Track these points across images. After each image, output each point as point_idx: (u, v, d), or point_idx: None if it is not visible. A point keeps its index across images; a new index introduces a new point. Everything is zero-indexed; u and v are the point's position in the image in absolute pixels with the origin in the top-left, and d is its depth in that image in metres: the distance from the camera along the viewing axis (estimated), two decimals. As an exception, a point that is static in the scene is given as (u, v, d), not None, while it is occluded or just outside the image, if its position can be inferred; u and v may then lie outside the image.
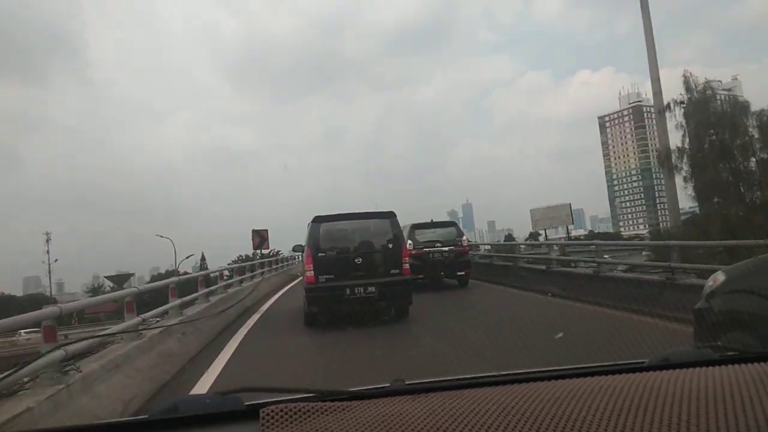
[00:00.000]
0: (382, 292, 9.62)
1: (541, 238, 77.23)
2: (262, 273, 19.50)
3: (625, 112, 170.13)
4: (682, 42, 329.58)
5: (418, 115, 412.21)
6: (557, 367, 1.31)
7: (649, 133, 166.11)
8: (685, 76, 33.07)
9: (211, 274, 13.65)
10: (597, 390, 0.96)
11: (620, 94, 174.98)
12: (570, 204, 78.89)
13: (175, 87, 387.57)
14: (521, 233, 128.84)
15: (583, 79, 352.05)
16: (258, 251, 29.43)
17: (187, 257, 62.91)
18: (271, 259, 25.52)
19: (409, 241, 14.52)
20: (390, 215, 10.31)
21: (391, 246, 9.99)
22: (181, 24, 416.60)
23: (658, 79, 11.58)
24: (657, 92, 12.13)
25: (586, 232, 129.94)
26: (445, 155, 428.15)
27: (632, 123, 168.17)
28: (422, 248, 15.10)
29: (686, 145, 29.19)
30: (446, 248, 15.24)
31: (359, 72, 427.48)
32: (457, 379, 1.21)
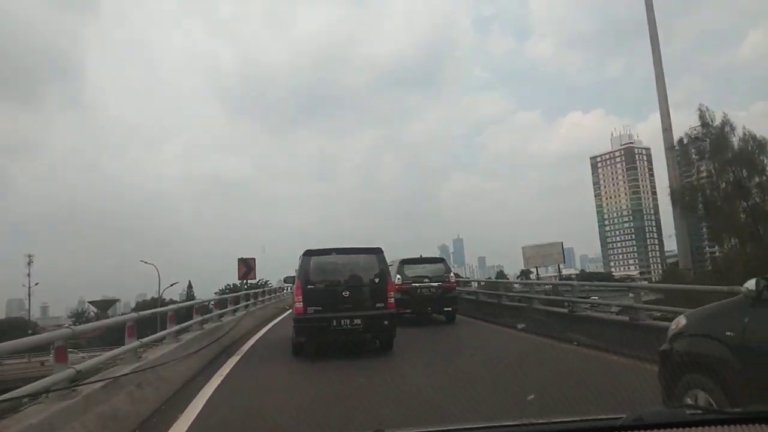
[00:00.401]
0: (368, 324, 9.94)
1: (533, 276, 76.31)
2: (247, 306, 17.39)
3: (617, 153, 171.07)
4: (672, 86, 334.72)
5: (411, 149, 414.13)
6: (534, 422, 1.31)
7: (641, 175, 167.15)
8: (700, 110, 32.13)
9: (195, 305, 11.92)
10: None
11: (612, 135, 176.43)
12: (562, 242, 78.01)
13: (169, 114, 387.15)
14: (513, 270, 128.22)
15: (574, 119, 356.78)
16: (245, 281, 27.63)
17: (172, 285, 58.77)
18: (257, 290, 23.23)
19: (398, 276, 14.90)
20: (377, 251, 10.64)
21: (377, 281, 10.32)
22: (177, 53, 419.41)
23: (668, 115, 10.76)
24: (667, 128, 11.15)
25: (577, 271, 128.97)
26: (437, 190, 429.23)
27: (624, 164, 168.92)
28: (411, 283, 15.21)
29: (701, 182, 28.22)
30: (434, 284, 15.31)
31: (353, 104, 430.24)
32: (439, 430, 1.20)
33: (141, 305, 68.67)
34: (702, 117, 32.35)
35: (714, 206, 25.34)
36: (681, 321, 4.43)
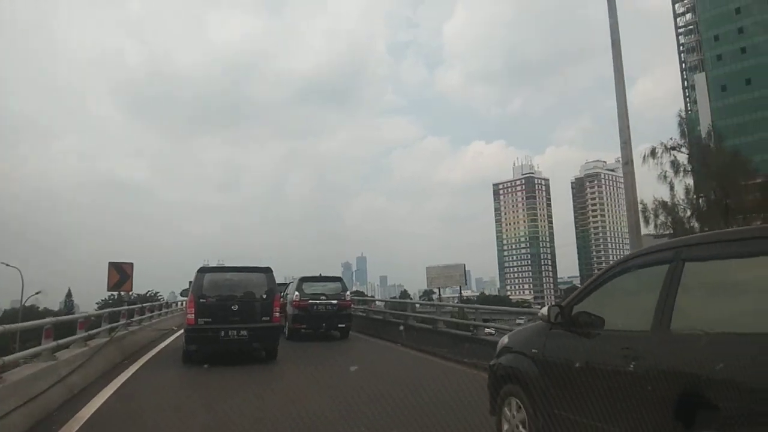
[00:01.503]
0: (253, 335, 10.89)
1: (435, 296, 77.46)
2: (112, 331, 11.79)
3: (518, 182, 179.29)
4: (567, 124, 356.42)
5: (320, 166, 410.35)
6: None
7: (539, 204, 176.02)
8: (680, 116, 31.76)
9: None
10: None
11: (514, 164, 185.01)
12: (464, 265, 79.88)
13: (63, 109, 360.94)
14: (414, 289, 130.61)
15: (477, 148, 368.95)
16: (121, 294, 20.00)
17: (36, 293, 45.64)
18: (133, 307, 15.70)
19: (297, 293, 15.68)
20: (267, 270, 11.71)
21: (264, 297, 11.25)
22: (80, 45, 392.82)
23: (628, 127, 10.82)
24: (626, 141, 11.13)
25: (477, 293, 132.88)
26: (343, 208, 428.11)
27: (524, 193, 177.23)
28: (308, 300, 15.67)
29: (678, 199, 27.66)
30: (330, 301, 15.85)
31: (264, 117, 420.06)
32: None
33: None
34: (681, 124, 31.71)
35: (684, 227, 25.17)
36: (505, 340, 5.12)
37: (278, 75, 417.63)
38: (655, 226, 29.04)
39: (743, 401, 2.65)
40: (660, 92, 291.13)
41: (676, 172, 31.54)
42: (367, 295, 66.79)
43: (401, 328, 15.51)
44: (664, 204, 30.47)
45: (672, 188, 31.27)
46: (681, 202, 29.94)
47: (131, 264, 18.33)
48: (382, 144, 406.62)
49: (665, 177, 31.97)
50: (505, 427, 4.68)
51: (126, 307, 14.57)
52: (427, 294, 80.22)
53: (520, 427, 4.47)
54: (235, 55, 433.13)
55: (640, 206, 39.98)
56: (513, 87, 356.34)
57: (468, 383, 8.12)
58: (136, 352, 12.33)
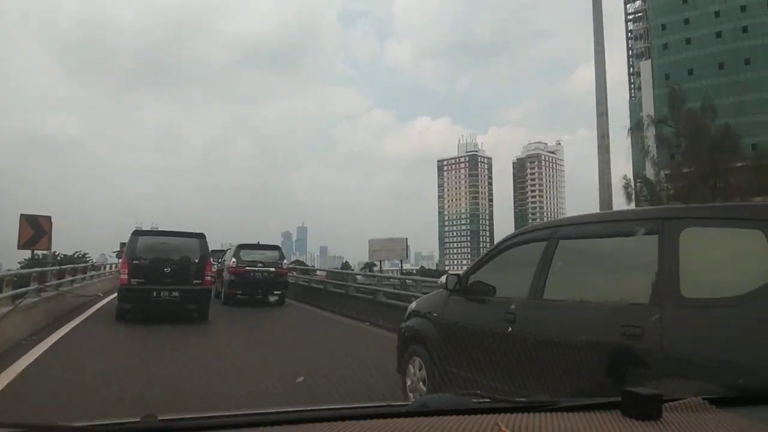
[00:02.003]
0: (185, 297, 11.39)
1: (376, 269, 77.10)
2: (16, 299, 9.74)
3: (462, 159, 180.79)
4: (511, 105, 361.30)
5: (263, 132, 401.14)
6: (315, 408, 1.31)
7: (481, 182, 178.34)
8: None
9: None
10: None
11: (459, 141, 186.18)
12: (407, 239, 79.53)
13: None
14: (355, 261, 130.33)
15: (423, 124, 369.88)
16: (37, 253, 15.79)
17: None
18: (48, 268, 13.30)
19: (234, 259, 16.04)
20: (200, 236, 12.22)
21: (197, 261, 11.73)
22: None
23: (605, 98, 10.16)
24: (603, 113, 10.34)
25: (417, 267, 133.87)
26: (286, 176, 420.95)
27: (467, 170, 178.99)
28: (245, 266, 15.91)
29: (662, 176, 26.63)
30: (267, 269, 16.15)
31: (206, 79, 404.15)
32: (210, 417, 1.17)
33: None
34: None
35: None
36: (413, 305, 5.60)
37: (223, 36, 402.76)
38: (637, 201, 28.43)
39: (599, 357, 3.15)
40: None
41: (661, 148, 30.53)
42: (308, 265, 66.25)
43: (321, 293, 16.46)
44: (646, 180, 29.90)
45: (655, 164, 30.58)
46: (663, 179, 29.27)
47: (49, 218, 15.25)
48: (328, 114, 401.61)
49: (647, 152, 31.27)
50: (409, 383, 5.05)
51: (45, 269, 12.62)
52: (368, 266, 79.81)
53: (421, 384, 4.85)
54: (179, 10, 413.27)
55: (623, 181, 39.43)
56: (461, 65, 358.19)
57: (390, 346, 7.82)
58: (50, 325, 10.05)
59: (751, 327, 2.71)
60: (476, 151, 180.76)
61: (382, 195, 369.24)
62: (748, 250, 2.95)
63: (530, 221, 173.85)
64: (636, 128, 31.64)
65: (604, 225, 3.92)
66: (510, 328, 3.85)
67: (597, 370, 3.16)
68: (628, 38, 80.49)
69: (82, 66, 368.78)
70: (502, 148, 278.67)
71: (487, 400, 1.45)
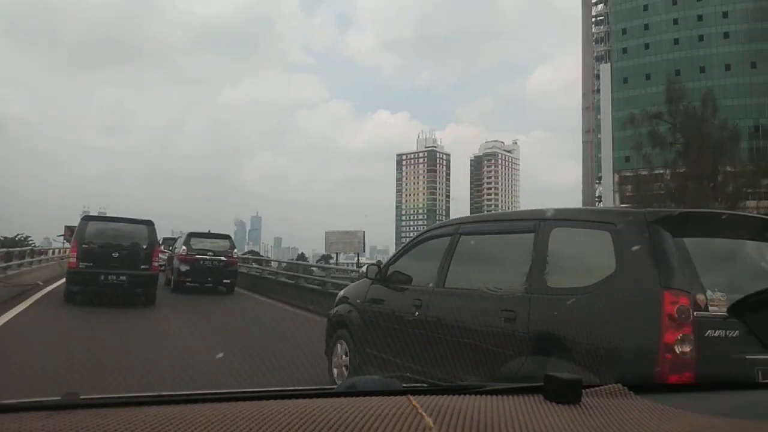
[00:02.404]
0: (132, 281, 11.73)
1: (332, 261, 76.23)
2: None
3: (421, 155, 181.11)
4: (469, 104, 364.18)
5: (218, 117, 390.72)
6: (242, 390, 1.30)
7: (439, 178, 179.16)
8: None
9: None
10: (291, 413, 1.02)
11: (419, 136, 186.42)
12: (364, 232, 78.94)
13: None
14: (310, 252, 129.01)
15: (382, 117, 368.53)
16: None
17: None
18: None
19: (184, 247, 16.25)
20: (149, 223, 12.58)
21: (145, 247, 12.08)
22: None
23: (592, 91, 9.84)
24: (588, 106, 9.96)
25: (374, 261, 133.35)
26: (241, 164, 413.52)
27: (426, 165, 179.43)
28: (195, 255, 16.06)
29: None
30: (217, 258, 16.32)
31: (160, 58, 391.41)
32: (133, 396, 1.17)
33: None
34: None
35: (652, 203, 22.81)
36: (341, 293, 6.06)
37: (180, 15, 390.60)
38: (622, 200, 27.90)
39: (483, 339, 3.71)
40: (558, 82, 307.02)
41: (654, 145, 29.45)
42: (262, 256, 64.98)
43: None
44: (640, 177, 29.23)
45: (648, 161, 29.91)
46: (661, 177, 28.21)
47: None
48: (286, 102, 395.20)
49: (639, 148, 30.56)
50: (334, 364, 5.40)
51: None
52: (324, 258, 78.74)
53: (344, 366, 5.21)
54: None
55: (615, 178, 38.74)
56: (420, 60, 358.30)
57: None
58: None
59: (596, 310, 3.24)
60: (435, 147, 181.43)
61: (339, 187, 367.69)
62: (599, 247, 3.50)
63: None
64: (630, 122, 31.34)
65: (496, 224, 4.73)
66: (417, 313, 4.35)
67: (483, 348, 3.67)
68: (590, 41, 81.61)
69: (28, 38, 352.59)
70: (460, 146, 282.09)
71: (420, 385, 1.47)
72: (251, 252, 74.96)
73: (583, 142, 10.89)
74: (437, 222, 9.59)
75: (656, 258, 3.18)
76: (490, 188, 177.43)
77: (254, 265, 22.33)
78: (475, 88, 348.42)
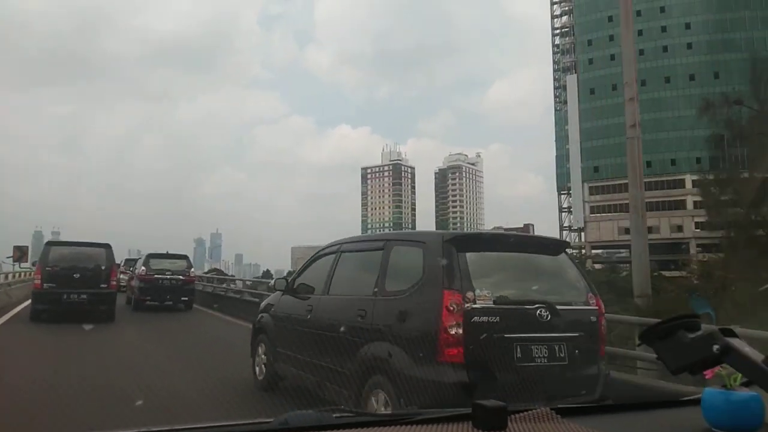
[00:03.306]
0: (93, 299, 12.92)
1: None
2: None
3: (386, 168, 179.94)
4: (428, 118, 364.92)
5: (176, 133, 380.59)
6: (173, 428, 1.37)
7: (404, 191, 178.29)
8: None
9: None
10: None
11: (383, 150, 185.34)
12: (331, 246, 77.51)
13: None
14: (275, 269, 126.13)
15: (343, 132, 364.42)
16: None
17: None
18: None
19: (143, 267, 16.98)
20: (107, 246, 13.90)
21: (103, 267, 13.29)
22: None
23: (635, 81, 8.48)
24: (632, 98, 8.58)
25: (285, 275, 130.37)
26: (199, 181, 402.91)
27: (391, 179, 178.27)
28: (153, 275, 16.81)
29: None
30: (175, 277, 17.09)
31: (115, 74, 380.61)
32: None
33: None
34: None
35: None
36: (263, 303, 7.07)
37: (136, 30, 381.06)
38: (592, 210, 24.15)
39: (348, 332, 4.78)
40: (515, 97, 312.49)
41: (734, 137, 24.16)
42: (226, 274, 63.06)
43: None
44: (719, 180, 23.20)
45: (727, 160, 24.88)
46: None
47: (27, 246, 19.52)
48: (245, 117, 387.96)
49: (717, 145, 25.71)
50: (257, 363, 6.47)
51: None
52: (290, 274, 76.07)
53: (263, 365, 6.28)
54: (88, 2, 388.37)
55: (585, 188, 35.28)
56: (380, 75, 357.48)
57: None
58: None
59: (410, 308, 4.39)
60: (400, 160, 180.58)
61: (302, 202, 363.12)
62: (416, 260, 4.57)
63: (450, 231, 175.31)
64: (705, 110, 26.83)
65: (363, 243, 6.17)
66: (309, 316, 5.51)
67: (347, 339, 4.75)
68: (554, 52, 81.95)
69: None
70: (422, 160, 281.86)
71: (349, 414, 1.50)
72: (216, 270, 71.95)
73: (627, 138, 9.22)
74: (329, 243, 9.62)
75: (443, 267, 4.22)
76: (455, 200, 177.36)
77: (217, 284, 22.74)
78: (435, 102, 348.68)
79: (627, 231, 70.22)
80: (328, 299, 5.38)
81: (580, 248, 74.27)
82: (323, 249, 6.15)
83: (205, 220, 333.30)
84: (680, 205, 68.80)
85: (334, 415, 1.44)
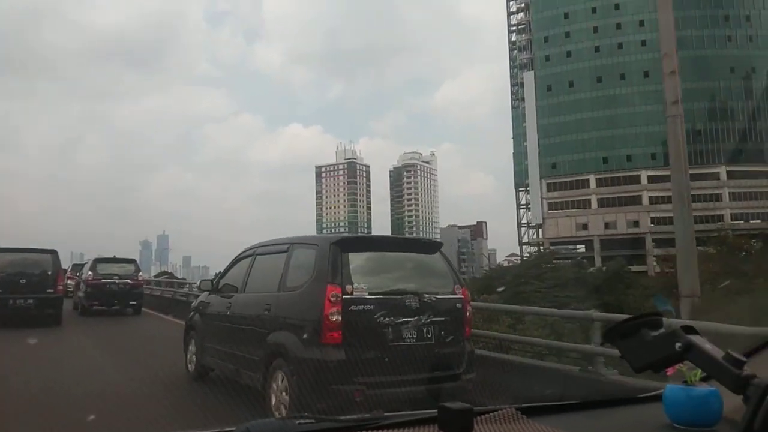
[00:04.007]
0: (39, 303, 13.08)
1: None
2: None
3: (341, 167, 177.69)
4: (380, 117, 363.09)
5: (118, 133, 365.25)
6: None
7: (359, 189, 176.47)
8: None
9: None
10: None
11: (338, 148, 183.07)
12: (287, 247, 75.12)
13: None
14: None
15: (294, 131, 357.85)
16: None
17: None
18: None
19: (90, 273, 16.89)
20: (53, 252, 14.20)
21: (50, 273, 13.55)
22: None
23: (675, 51, 7.46)
24: (673, 71, 7.42)
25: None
26: (144, 181, 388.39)
27: (346, 177, 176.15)
28: (101, 279, 16.71)
29: None
30: (124, 281, 17.08)
31: (53, 71, 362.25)
32: None
33: None
34: None
35: None
36: (194, 302, 7.95)
37: (75, 25, 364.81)
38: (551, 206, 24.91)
39: (257, 324, 5.60)
40: (465, 96, 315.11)
41: None
42: (177, 277, 60.47)
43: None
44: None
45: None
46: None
47: None
48: (192, 116, 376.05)
49: None
50: (188, 358, 7.15)
51: None
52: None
53: (194, 357, 6.98)
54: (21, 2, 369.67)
55: (542, 185, 35.18)
56: (331, 74, 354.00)
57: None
58: None
59: (302, 300, 5.16)
60: (355, 159, 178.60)
61: (253, 202, 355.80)
62: (310, 260, 5.35)
63: (406, 229, 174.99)
64: None
65: (273, 246, 6.39)
66: (228, 312, 6.28)
67: (257, 331, 5.51)
68: (510, 49, 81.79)
69: None
70: (374, 159, 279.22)
71: (311, 421, 1.48)
72: (167, 274, 68.77)
73: (667, 117, 7.79)
74: (248, 246, 7.22)
75: (329, 266, 5.04)
76: (410, 198, 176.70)
77: (165, 287, 22.52)
78: (386, 102, 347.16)
79: (584, 227, 70.47)
80: (244, 297, 6.18)
81: (539, 244, 74.35)
82: (243, 252, 6.86)
83: (151, 222, 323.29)
84: (637, 200, 69.63)
85: (297, 422, 1.44)
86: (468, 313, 5.40)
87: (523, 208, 78.67)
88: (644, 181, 69.36)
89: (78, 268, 22.76)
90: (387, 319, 4.80)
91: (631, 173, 69.87)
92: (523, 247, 77.53)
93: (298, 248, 5.72)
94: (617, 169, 70.58)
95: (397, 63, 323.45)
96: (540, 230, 75.74)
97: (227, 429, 1.37)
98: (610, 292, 34.97)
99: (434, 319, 4.98)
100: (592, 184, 71.83)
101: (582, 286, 37.52)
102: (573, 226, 71.40)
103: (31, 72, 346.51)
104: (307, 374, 4.62)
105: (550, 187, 73.96)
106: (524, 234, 78.53)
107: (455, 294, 5.33)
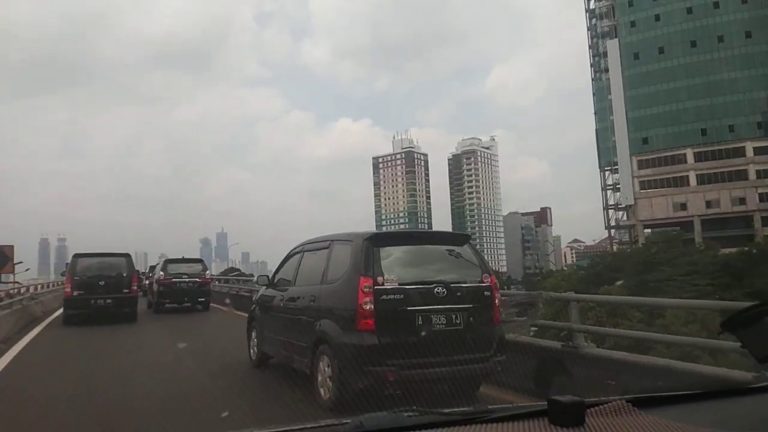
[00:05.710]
0: (117, 302, 14.48)
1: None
2: None
3: (398, 156, 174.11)
4: (428, 107, 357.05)
5: (177, 136, 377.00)
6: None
7: (418, 178, 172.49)
8: None
9: None
10: None
11: (394, 138, 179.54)
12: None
13: None
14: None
15: (344, 125, 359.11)
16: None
17: None
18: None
19: (161, 273, 18.11)
20: (127, 255, 15.76)
21: (125, 275, 14.91)
22: None
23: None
24: None
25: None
26: (202, 181, 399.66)
27: (404, 167, 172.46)
28: (171, 278, 17.84)
29: None
30: (192, 279, 18.11)
31: (113, 78, 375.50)
32: None
33: None
34: None
35: None
36: (256, 296, 8.62)
37: (130, 34, 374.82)
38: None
39: (304, 314, 6.25)
40: (515, 83, 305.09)
41: None
42: (245, 274, 59.31)
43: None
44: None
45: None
46: None
47: (11, 246, 20.57)
48: (245, 116, 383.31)
49: None
50: (251, 346, 7.93)
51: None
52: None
53: (255, 347, 7.75)
54: (79, 6, 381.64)
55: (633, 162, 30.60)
56: (378, 67, 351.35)
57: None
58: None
59: (340, 291, 5.68)
60: (412, 148, 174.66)
61: (307, 197, 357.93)
62: (346, 255, 5.85)
63: (467, 218, 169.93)
64: None
65: (318, 243, 6.87)
66: (281, 304, 6.99)
67: (304, 320, 6.14)
68: (588, 17, 75.69)
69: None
70: (425, 149, 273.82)
71: (420, 413, 1.50)
72: (235, 271, 67.32)
73: None
74: (299, 243, 7.52)
75: (362, 260, 5.52)
76: (471, 186, 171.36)
77: (235, 284, 22.88)
78: (435, 91, 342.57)
79: (682, 207, 63.26)
80: (294, 289, 6.83)
81: (630, 228, 68.51)
82: (293, 249, 7.58)
83: (210, 221, 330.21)
84: (742, 175, 62.97)
85: (407, 415, 1.46)
86: (497, 300, 5.82)
87: (609, 189, 72.80)
88: (750, 153, 62.62)
89: (151, 268, 24.03)
90: (417, 306, 5.35)
91: (734, 145, 63.22)
92: (611, 231, 71.88)
93: (336, 244, 6.33)
94: (718, 141, 63.98)
95: (445, 52, 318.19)
96: (629, 212, 69.86)
97: (344, 421, 1.42)
98: (760, 276, 29.94)
99: (462, 305, 5.47)
100: (690, 159, 65.41)
101: (723, 271, 32.59)
102: (669, 206, 65.24)
103: (90, 81, 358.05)
104: (346, 357, 5.27)
105: (642, 164, 67.86)
106: (612, 217, 72.78)
107: (483, 282, 5.76)
